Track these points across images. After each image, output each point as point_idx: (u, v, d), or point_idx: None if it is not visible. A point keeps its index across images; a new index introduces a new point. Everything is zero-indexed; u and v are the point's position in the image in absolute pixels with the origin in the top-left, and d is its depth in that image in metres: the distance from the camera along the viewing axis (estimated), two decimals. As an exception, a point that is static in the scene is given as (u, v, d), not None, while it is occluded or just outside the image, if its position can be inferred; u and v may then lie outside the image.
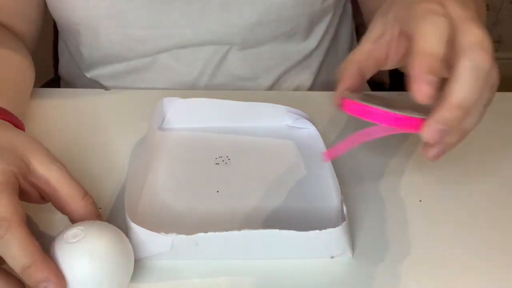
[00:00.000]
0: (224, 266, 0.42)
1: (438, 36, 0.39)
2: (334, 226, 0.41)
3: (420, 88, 0.37)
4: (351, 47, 0.78)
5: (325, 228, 0.40)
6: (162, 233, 0.41)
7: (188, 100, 0.57)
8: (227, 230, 0.41)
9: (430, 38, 0.38)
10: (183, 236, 0.41)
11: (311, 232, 0.40)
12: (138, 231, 0.41)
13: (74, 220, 0.41)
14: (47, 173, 0.41)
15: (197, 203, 0.48)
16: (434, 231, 0.46)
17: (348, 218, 0.42)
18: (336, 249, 0.43)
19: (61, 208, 0.41)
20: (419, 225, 0.47)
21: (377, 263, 0.43)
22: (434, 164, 0.53)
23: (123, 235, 0.40)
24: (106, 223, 0.40)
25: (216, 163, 0.53)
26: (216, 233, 0.41)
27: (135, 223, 0.41)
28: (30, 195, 0.41)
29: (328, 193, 0.48)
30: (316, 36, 0.71)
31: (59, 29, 0.74)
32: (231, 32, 0.65)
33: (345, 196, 0.44)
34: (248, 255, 0.43)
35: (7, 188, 0.37)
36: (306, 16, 0.67)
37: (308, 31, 0.69)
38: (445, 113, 0.38)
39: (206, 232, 0.41)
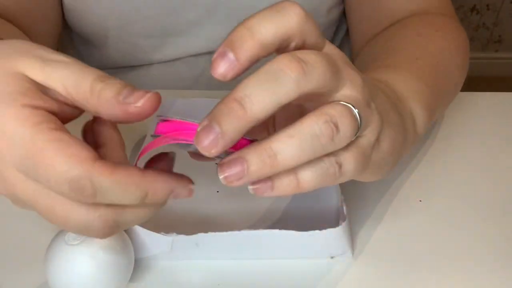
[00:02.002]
0: (224, 266, 0.42)
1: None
2: (334, 226, 0.41)
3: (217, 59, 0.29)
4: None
5: (325, 228, 0.41)
6: (162, 233, 0.41)
7: (187, 100, 0.57)
8: (227, 230, 0.41)
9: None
10: (183, 236, 0.41)
11: (311, 232, 0.40)
12: (138, 231, 0.41)
13: (102, 115, 0.31)
14: (46, 79, 0.31)
15: (197, 203, 0.48)
16: (434, 231, 0.46)
17: (348, 218, 0.42)
18: (336, 249, 0.43)
19: (86, 109, 0.32)
20: (419, 225, 0.47)
21: (377, 263, 0.43)
22: (434, 164, 0.53)
23: (124, 234, 0.40)
24: None
25: (216, 163, 0.53)
26: (216, 233, 0.41)
27: (135, 223, 0.41)
28: (62, 113, 0.32)
29: (328, 193, 0.48)
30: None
31: (72, 31, 0.74)
32: None
33: (345, 196, 0.44)
34: (248, 255, 0.43)
35: (47, 132, 0.29)
36: None
37: None
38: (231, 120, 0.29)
39: (206, 232, 0.41)
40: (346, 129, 0.30)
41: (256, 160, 0.30)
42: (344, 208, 0.42)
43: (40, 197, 0.30)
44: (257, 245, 0.42)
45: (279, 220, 0.46)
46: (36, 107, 0.30)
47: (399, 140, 0.39)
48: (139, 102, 0.30)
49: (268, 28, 0.30)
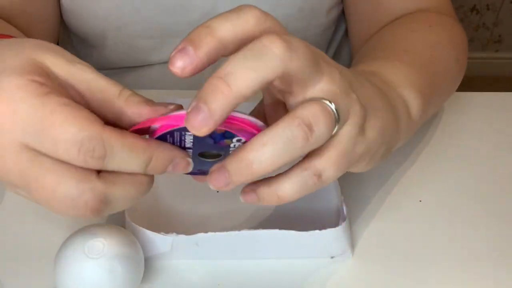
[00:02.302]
0: (224, 266, 0.42)
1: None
2: (334, 226, 0.41)
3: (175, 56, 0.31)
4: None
5: (325, 228, 0.41)
6: (162, 233, 0.41)
7: (188, 100, 0.57)
8: (227, 230, 0.41)
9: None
10: (183, 236, 0.41)
11: (311, 232, 0.40)
12: (138, 231, 0.41)
13: (120, 122, 0.32)
14: (69, 77, 0.32)
15: (197, 203, 0.48)
16: (434, 231, 0.46)
17: (348, 218, 0.42)
18: (336, 249, 0.43)
19: (100, 113, 0.32)
20: (419, 225, 0.47)
21: (377, 263, 0.43)
22: (434, 164, 0.53)
23: (137, 242, 0.40)
24: (123, 230, 0.40)
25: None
26: (216, 233, 0.41)
27: (135, 223, 0.41)
28: None
29: (328, 193, 0.48)
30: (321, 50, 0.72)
31: (70, 31, 0.74)
32: None
33: (345, 196, 0.44)
34: (248, 255, 0.43)
35: (56, 98, 0.29)
36: (312, 30, 0.67)
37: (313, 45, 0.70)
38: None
39: (206, 232, 0.41)
40: (321, 128, 0.31)
41: (235, 170, 0.31)
42: (344, 208, 0.42)
43: (32, 168, 0.29)
44: (257, 245, 0.42)
45: (279, 220, 0.46)
46: (44, 84, 0.30)
47: (389, 128, 0.38)
48: (170, 106, 0.32)
49: (227, 27, 0.31)
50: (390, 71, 0.45)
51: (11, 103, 0.29)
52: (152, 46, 0.66)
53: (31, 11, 0.61)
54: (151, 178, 0.32)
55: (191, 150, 0.33)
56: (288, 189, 0.32)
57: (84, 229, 0.38)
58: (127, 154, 0.30)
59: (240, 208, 0.48)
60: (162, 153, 0.32)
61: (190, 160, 0.33)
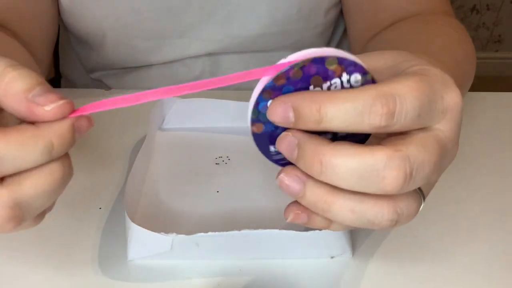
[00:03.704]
0: (224, 266, 0.42)
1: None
2: (334, 226, 0.41)
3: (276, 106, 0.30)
4: None
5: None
6: (162, 233, 0.41)
7: (187, 100, 0.57)
8: (227, 230, 0.41)
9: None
10: (183, 236, 0.41)
11: (311, 232, 0.40)
12: (138, 231, 0.41)
13: (5, 107, 0.28)
14: None
15: (197, 203, 0.48)
16: (434, 231, 0.46)
17: (348, 218, 0.42)
18: (336, 249, 0.43)
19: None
20: (419, 225, 0.47)
21: (377, 263, 0.43)
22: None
23: None
24: None
25: (216, 163, 0.53)
26: (216, 233, 0.41)
27: (135, 223, 0.41)
28: None
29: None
30: None
31: (69, 32, 0.74)
32: (235, 42, 0.66)
33: (345, 196, 0.44)
34: (248, 255, 0.43)
35: None
36: (310, 30, 0.67)
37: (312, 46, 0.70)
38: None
39: (206, 232, 0.41)
40: (405, 222, 0.31)
41: (311, 197, 0.30)
42: (344, 208, 0.42)
43: None
44: (257, 245, 0.42)
45: (279, 220, 0.46)
46: None
47: None
48: (49, 107, 0.28)
49: (340, 122, 0.28)
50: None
51: None
52: (151, 47, 0.66)
53: (27, 11, 0.61)
54: (62, 162, 0.28)
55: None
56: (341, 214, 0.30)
57: None
58: (17, 152, 0.26)
59: (240, 208, 0.48)
60: (59, 126, 0.28)
61: (88, 115, 0.29)
